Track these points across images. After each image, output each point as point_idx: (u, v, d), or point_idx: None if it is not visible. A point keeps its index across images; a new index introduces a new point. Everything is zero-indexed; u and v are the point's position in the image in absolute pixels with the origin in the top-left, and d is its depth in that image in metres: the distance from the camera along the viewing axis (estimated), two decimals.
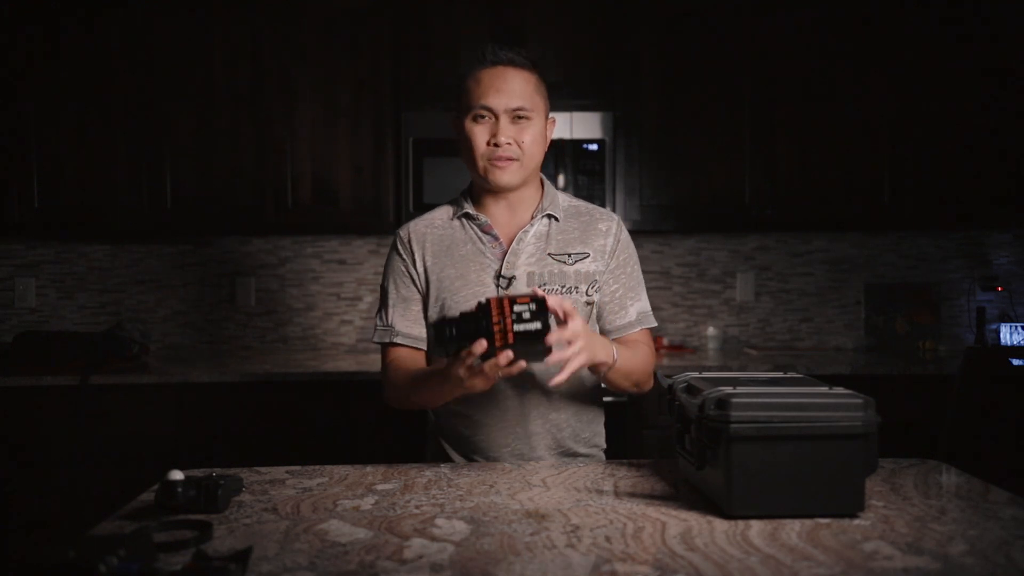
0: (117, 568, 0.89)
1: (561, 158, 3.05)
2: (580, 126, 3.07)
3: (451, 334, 1.34)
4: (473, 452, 1.68)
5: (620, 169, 3.12)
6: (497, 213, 1.68)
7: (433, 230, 1.70)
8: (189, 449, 2.75)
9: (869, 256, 3.50)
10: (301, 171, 3.13)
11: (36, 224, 3.10)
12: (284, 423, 2.79)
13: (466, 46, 3.08)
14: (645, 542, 1.10)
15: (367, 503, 1.29)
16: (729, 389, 1.22)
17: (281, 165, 3.12)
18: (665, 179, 3.15)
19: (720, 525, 1.17)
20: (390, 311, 1.70)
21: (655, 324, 1.75)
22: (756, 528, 1.15)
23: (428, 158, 3.04)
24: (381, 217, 3.12)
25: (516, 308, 1.32)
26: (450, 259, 1.67)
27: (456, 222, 1.70)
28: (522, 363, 1.34)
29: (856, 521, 1.18)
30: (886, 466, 1.47)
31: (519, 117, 1.61)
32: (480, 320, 1.32)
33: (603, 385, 1.69)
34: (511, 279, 1.63)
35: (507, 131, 1.60)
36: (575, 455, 1.69)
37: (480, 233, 1.67)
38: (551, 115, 1.71)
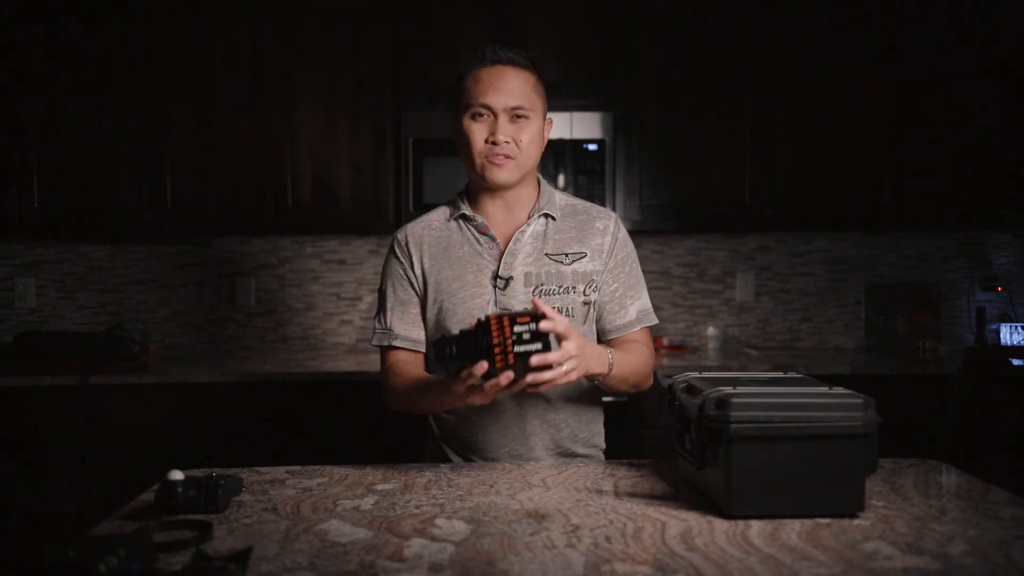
0: (117, 568, 0.89)
1: (561, 158, 3.05)
2: (580, 126, 3.07)
3: (451, 352, 1.34)
4: (471, 453, 1.68)
5: (620, 169, 3.12)
6: (494, 213, 1.68)
7: (430, 232, 1.70)
8: (189, 449, 2.75)
9: (869, 256, 3.50)
10: (301, 171, 3.13)
11: (36, 224, 3.10)
12: (284, 423, 2.79)
13: (466, 46, 3.08)
14: (645, 542, 1.10)
15: (367, 503, 1.29)
16: (729, 389, 1.22)
17: (281, 165, 3.12)
18: (665, 179, 3.15)
19: (720, 525, 1.17)
20: (388, 314, 1.70)
21: (656, 321, 1.75)
22: (756, 528, 1.15)
23: (428, 158, 3.04)
24: (381, 217, 3.12)
25: (516, 329, 1.33)
26: (447, 261, 1.67)
27: (453, 223, 1.70)
28: (522, 382, 1.35)
29: (856, 521, 1.18)
30: (886, 466, 1.47)
31: (517, 116, 1.61)
32: (480, 339, 1.33)
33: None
34: (508, 280, 1.63)
35: (505, 130, 1.60)
36: (574, 455, 1.69)
37: (477, 234, 1.67)
38: (549, 116, 1.70)
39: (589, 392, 1.71)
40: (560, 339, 1.38)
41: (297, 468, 1.51)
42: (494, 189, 1.65)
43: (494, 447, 1.66)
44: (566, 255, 1.66)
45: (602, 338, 1.73)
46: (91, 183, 3.10)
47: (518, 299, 1.62)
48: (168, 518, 1.19)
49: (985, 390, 2.35)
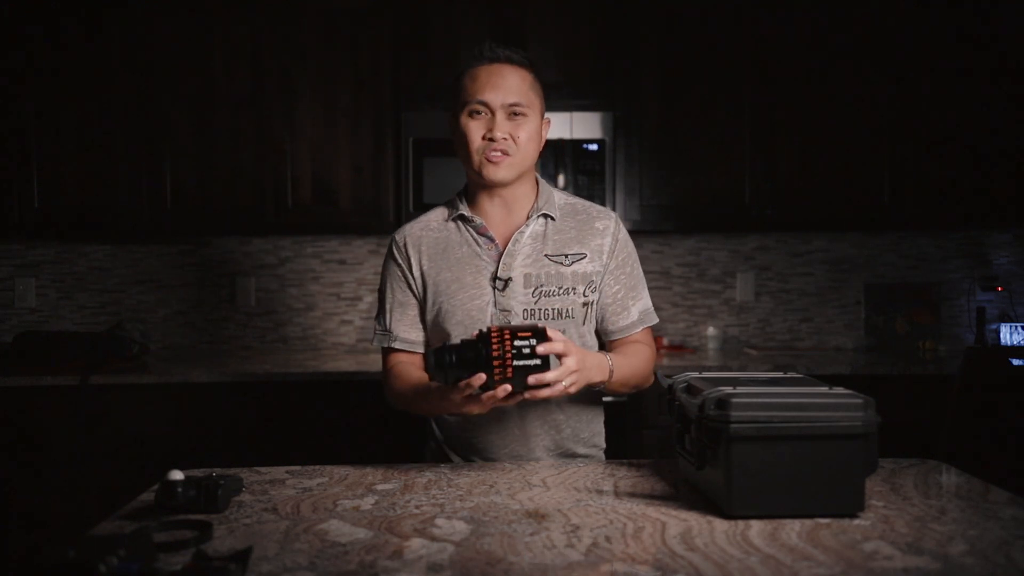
0: (117, 568, 0.89)
1: (561, 158, 3.05)
2: (580, 126, 3.07)
3: (451, 360, 1.36)
4: (472, 453, 1.68)
5: (620, 169, 3.12)
6: (492, 213, 1.68)
7: (429, 232, 1.70)
8: (189, 449, 2.75)
9: (869, 256, 3.50)
10: (301, 171, 3.13)
11: (36, 224, 3.10)
12: (284, 423, 2.80)
13: (466, 46, 3.08)
14: (645, 542, 1.10)
15: (367, 503, 1.29)
16: (729, 389, 1.22)
17: (281, 165, 3.12)
18: (665, 179, 3.15)
19: (720, 525, 1.17)
20: (388, 316, 1.70)
21: (657, 320, 1.75)
22: (756, 528, 1.15)
23: (428, 158, 3.04)
24: (381, 217, 3.12)
25: (517, 343, 1.34)
26: (446, 262, 1.66)
27: (452, 224, 1.70)
28: (519, 395, 1.37)
29: (856, 521, 1.18)
30: (886, 466, 1.47)
31: (515, 113, 1.61)
32: (480, 350, 1.34)
33: None
34: (507, 281, 1.63)
35: (503, 127, 1.60)
36: (574, 455, 1.69)
37: (476, 235, 1.67)
38: (547, 115, 1.70)
39: (589, 392, 1.71)
40: (560, 356, 1.39)
41: (297, 468, 1.51)
42: (492, 188, 1.65)
43: (495, 448, 1.66)
44: (566, 256, 1.66)
45: (604, 339, 1.74)
46: (91, 183, 3.10)
47: (517, 300, 1.62)
48: (168, 518, 1.19)
49: (985, 390, 2.35)
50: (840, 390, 1.23)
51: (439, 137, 3.00)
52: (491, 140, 1.60)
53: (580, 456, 1.70)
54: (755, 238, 3.49)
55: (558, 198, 1.72)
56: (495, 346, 1.33)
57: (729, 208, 3.15)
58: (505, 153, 1.60)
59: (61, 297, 3.45)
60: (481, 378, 1.34)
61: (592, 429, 1.73)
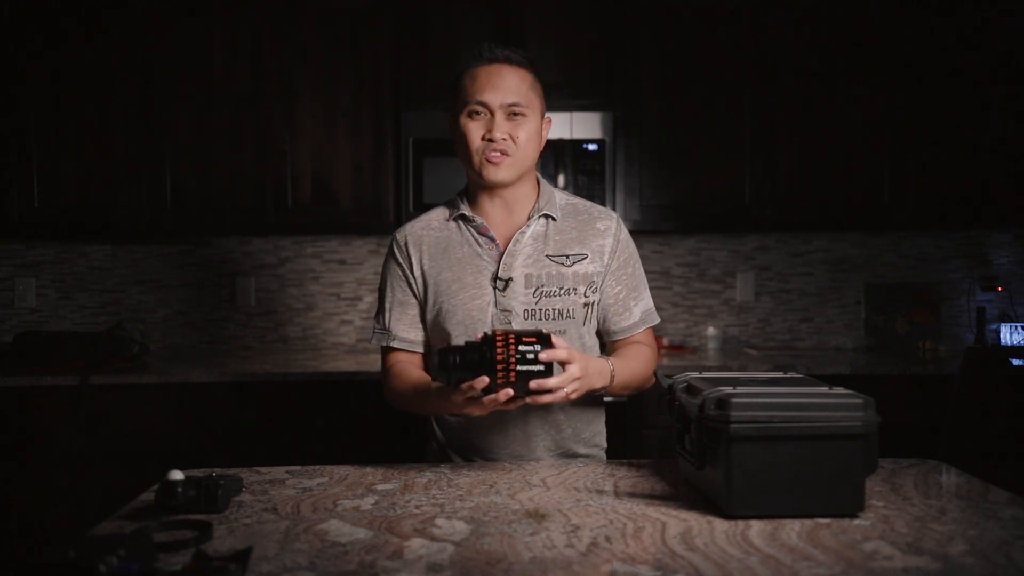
0: (117, 568, 0.89)
1: (561, 158, 3.05)
2: (580, 126, 3.07)
3: (455, 362, 1.36)
4: (473, 454, 1.68)
5: (620, 169, 3.12)
6: (493, 213, 1.68)
7: (430, 232, 1.70)
8: (189, 449, 2.75)
9: (869, 256, 3.50)
10: (301, 171, 3.13)
11: (36, 224, 3.10)
12: (284, 423, 2.80)
13: (466, 46, 3.08)
14: (645, 542, 1.10)
15: (367, 503, 1.29)
16: (729, 389, 1.22)
17: (281, 165, 3.12)
18: (665, 179, 3.15)
19: (720, 525, 1.17)
20: (387, 315, 1.70)
21: (658, 320, 1.76)
22: (756, 528, 1.15)
23: (428, 158, 3.05)
24: (381, 217, 3.12)
25: (522, 348, 1.34)
26: (447, 262, 1.66)
27: (452, 224, 1.70)
28: (520, 400, 1.38)
29: (856, 521, 1.18)
30: (886, 466, 1.47)
31: (514, 113, 1.61)
32: (484, 352, 1.34)
33: None
34: (508, 281, 1.62)
35: (502, 127, 1.60)
36: (576, 455, 1.69)
37: (476, 235, 1.67)
38: (547, 115, 1.70)
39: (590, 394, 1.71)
40: (564, 363, 1.39)
41: (297, 468, 1.51)
42: (492, 188, 1.65)
43: (496, 448, 1.66)
44: (567, 257, 1.65)
45: (605, 339, 1.74)
46: (91, 183, 3.10)
47: (518, 300, 1.62)
48: (168, 518, 1.19)
49: (985, 390, 2.35)
50: (840, 390, 1.23)
51: (439, 137, 3.00)
52: (490, 140, 1.60)
53: (581, 456, 1.70)
54: (755, 238, 3.49)
55: (559, 198, 1.72)
56: (499, 350, 1.34)
57: (729, 208, 3.15)
58: (504, 153, 1.60)
59: (61, 297, 3.45)
60: (484, 381, 1.34)
61: (593, 429, 1.73)
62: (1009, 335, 3.32)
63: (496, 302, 1.62)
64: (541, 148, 1.68)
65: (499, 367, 1.33)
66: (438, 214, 1.73)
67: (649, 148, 3.14)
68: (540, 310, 1.62)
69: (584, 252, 1.66)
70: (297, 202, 3.13)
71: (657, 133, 3.14)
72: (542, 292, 1.62)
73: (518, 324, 1.62)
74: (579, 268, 1.65)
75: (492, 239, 1.66)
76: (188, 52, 3.10)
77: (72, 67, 3.07)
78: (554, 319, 1.62)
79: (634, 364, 1.64)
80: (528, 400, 1.38)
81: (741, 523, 1.17)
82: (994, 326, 3.41)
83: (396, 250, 1.71)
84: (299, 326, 3.48)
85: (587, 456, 1.71)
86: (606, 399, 1.78)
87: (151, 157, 3.10)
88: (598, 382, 1.52)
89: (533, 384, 1.35)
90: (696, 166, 3.14)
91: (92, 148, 3.10)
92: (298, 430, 2.79)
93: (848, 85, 3.12)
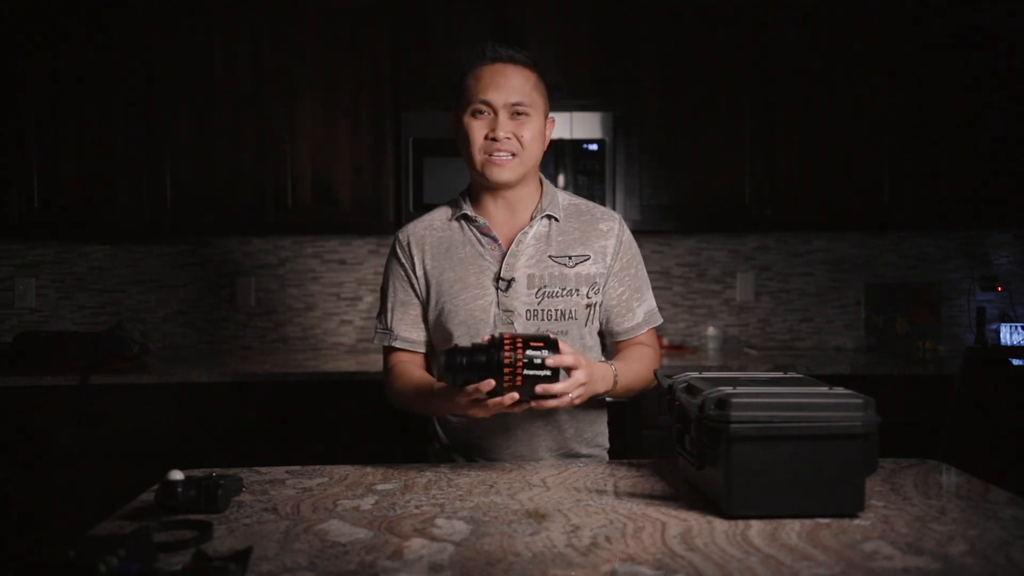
0: (117, 568, 0.88)
1: (561, 158, 3.05)
2: (580, 126, 3.07)
3: (461, 363, 1.36)
4: (476, 454, 1.68)
5: (620, 169, 3.12)
6: (496, 213, 1.68)
7: (432, 232, 1.70)
8: (189, 449, 2.75)
9: (869, 256, 3.50)
10: (301, 171, 3.13)
11: (36, 224, 3.10)
12: (284, 423, 2.79)
13: (466, 46, 3.08)
14: (645, 542, 1.10)
15: (367, 503, 1.29)
16: (729, 389, 1.22)
17: (281, 165, 3.12)
18: (665, 179, 3.15)
19: (720, 525, 1.17)
20: (389, 314, 1.70)
21: (661, 321, 1.76)
22: (756, 528, 1.15)
23: (428, 158, 3.04)
24: (381, 217, 3.12)
25: (529, 352, 1.34)
26: (449, 262, 1.66)
27: (455, 223, 1.69)
28: (525, 404, 1.38)
29: (856, 521, 1.18)
30: (886, 466, 1.47)
31: (518, 113, 1.61)
32: (492, 355, 1.34)
33: None
34: (510, 281, 1.62)
35: (506, 126, 1.60)
36: (578, 455, 1.69)
37: (479, 235, 1.67)
38: (550, 115, 1.70)
39: None
40: (570, 369, 1.39)
41: (297, 468, 1.51)
42: (495, 188, 1.65)
43: (499, 448, 1.66)
44: (570, 257, 1.65)
45: (608, 340, 1.74)
46: (91, 183, 3.10)
47: (520, 301, 1.62)
48: (168, 518, 1.19)
49: (985, 390, 2.35)
50: (840, 390, 1.23)
51: (439, 137, 3.00)
52: (494, 140, 1.60)
53: (584, 456, 1.70)
54: (755, 238, 3.49)
55: (562, 199, 1.72)
56: (507, 353, 1.33)
57: (729, 208, 3.15)
58: (512, 154, 1.60)
59: (61, 297, 3.45)
60: (490, 384, 1.34)
61: (596, 429, 1.73)
62: (1009, 335, 3.32)
63: (498, 302, 1.62)
64: (545, 148, 1.68)
65: (506, 370, 1.33)
66: (440, 214, 1.73)
67: (649, 148, 3.14)
68: (542, 310, 1.62)
69: (587, 253, 1.66)
70: (297, 202, 3.13)
71: (657, 133, 3.14)
72: (544, 293, 1.62)
73: (520, 324, 1.61)
74: (582, 269, 1.65)
75: (495, 239, 1.66)
76: (188, 52, 3.10)
77: (72, 67, 3.07)
78: (556, 320, 1.62)
79: (636, 367, 1.64)
80: (533, 404, 1.38)
81: (741, 523, 1.17)
82: (994, 326, 3.41)
83: (398, 250, 1.71)
84: (299, 326, 3.48)
85: (589, 456, 1.71)
86: (606, 399, 1.78)
87: (151, 157, 3.10)
88: (601, 387, 1.52)
89: (539, 389, 1.35)
90: (696, 166, 3.15)
91: (92, 148, 3.10)
92: (298, 430, 2.79)
93: (848, 85, 3.12)
